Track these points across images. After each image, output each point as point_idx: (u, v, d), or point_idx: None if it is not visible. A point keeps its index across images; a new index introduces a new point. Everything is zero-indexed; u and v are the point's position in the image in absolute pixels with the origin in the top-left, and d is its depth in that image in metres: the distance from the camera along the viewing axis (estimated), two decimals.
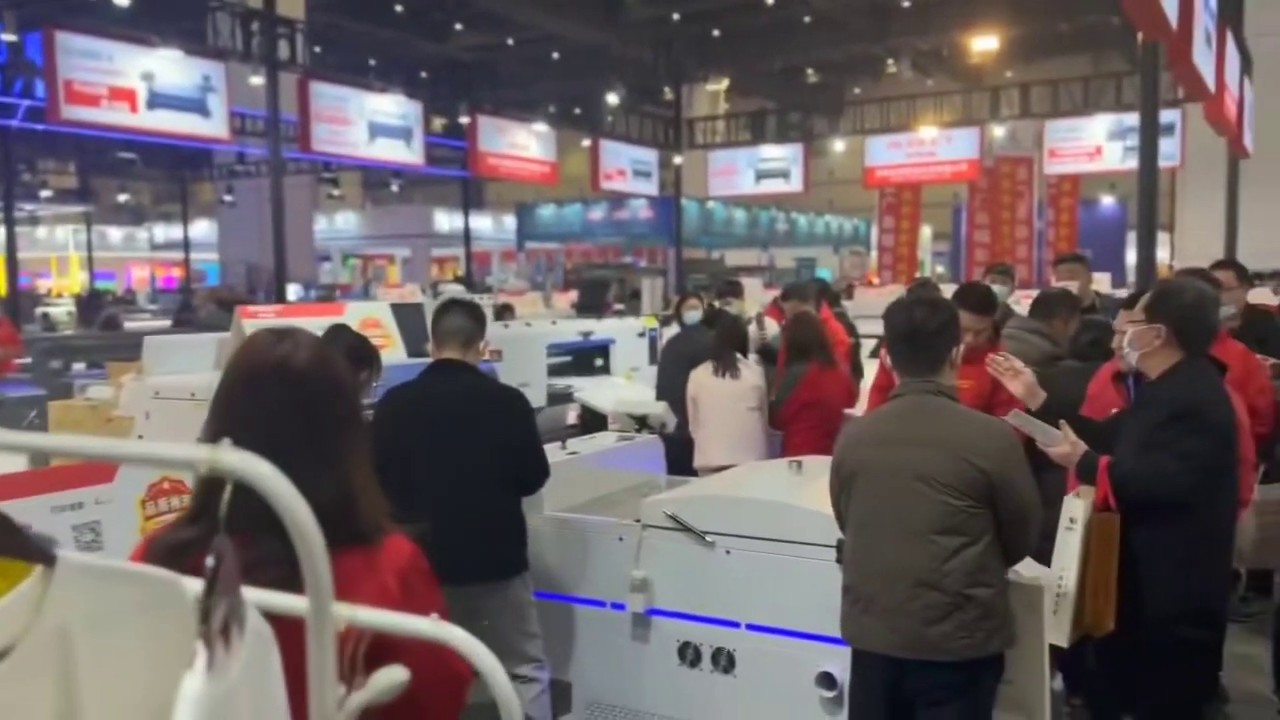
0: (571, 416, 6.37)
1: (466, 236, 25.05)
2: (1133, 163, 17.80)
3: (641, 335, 7.52)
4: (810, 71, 26.00)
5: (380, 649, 1.26)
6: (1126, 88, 17.47)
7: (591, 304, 13.83)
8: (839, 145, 24.09)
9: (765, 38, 21.64)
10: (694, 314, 6.63)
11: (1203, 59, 9.55)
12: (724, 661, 3.54)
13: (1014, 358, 3.41)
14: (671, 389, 5.93)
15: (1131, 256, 22.60)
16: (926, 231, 27.39)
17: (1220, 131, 13.28)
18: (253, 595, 1.05)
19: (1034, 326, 4.80)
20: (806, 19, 21.34)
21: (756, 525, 3.49)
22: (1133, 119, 17.69)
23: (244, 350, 1.48)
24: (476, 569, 3.49)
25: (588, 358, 7.22)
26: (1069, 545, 2.97)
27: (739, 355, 5.63)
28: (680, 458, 5.42)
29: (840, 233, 33.96)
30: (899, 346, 2.81)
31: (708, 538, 3.55)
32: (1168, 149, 12.30)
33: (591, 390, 6.53)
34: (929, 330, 2.74)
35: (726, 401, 5.48)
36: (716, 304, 6.89)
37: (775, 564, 3.45)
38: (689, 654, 3.60)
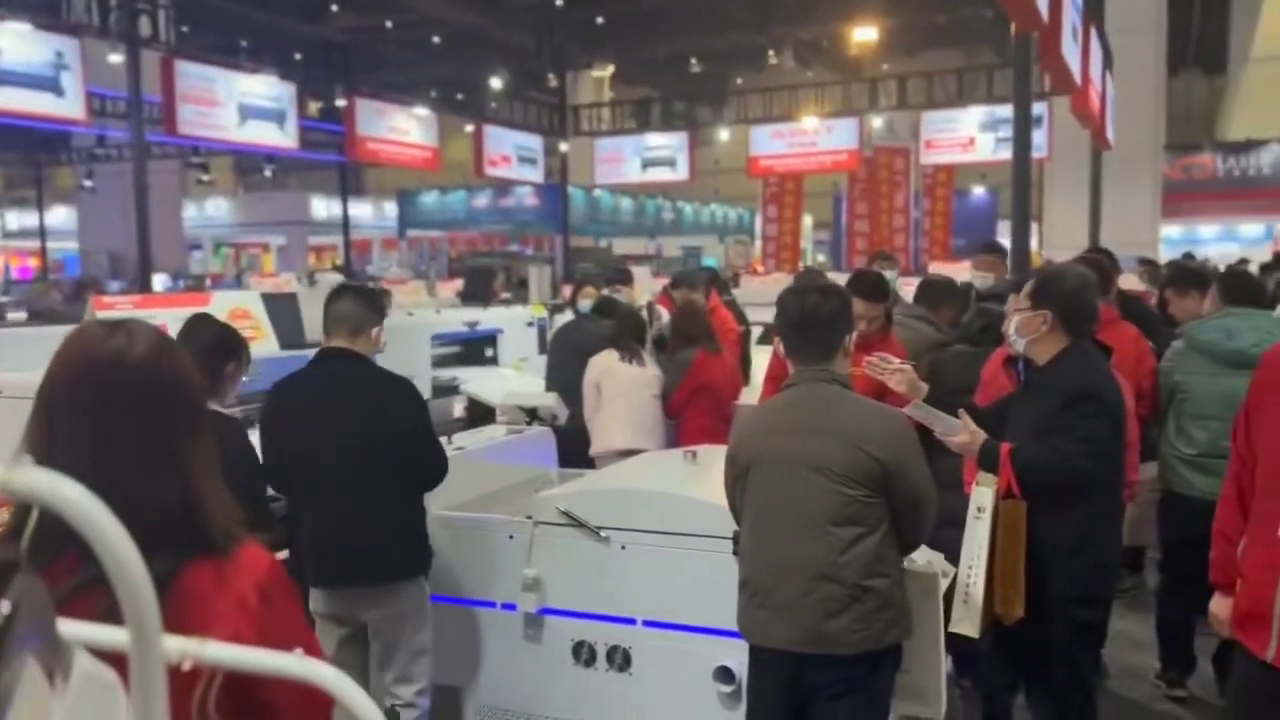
0: (458, 410, 6.17)
1: (345, 224, 24.24)
2: (1004, 154, 18.46)
3: (530, 324, 7.35)
4: (694, 60, 26.08)
5: (241, 680, 1.13)
6: (998, 81, 18.04)
7: (477, 293, 13.52)
8: (724, 135, 24.26)
9: (649, 25, 21.58)
10: (588, 302, 6.51)
11: (1070, 52, 9.88)
12: (619, 660, 3.44)
13: (890, 356, 3.39)
14: (562, 379, 5.80)
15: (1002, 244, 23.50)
16: (808, 220, 27.88)
17: (1085, 124, 13.82)
18: (80, 631, 0.89)
19: (920, 314, 4.84)
20: (690, 7, 21.39)
21: (651, 518, 3.40)
22: (1003, 111, 18.30)
23: (71, 343, 1.29)
24: (367, 571, 3.31)
25: (475, 348, 7.01)
26: (978, 534, 2.97)
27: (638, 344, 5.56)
28: (573, 450, 5.31)
29: (725, 222, 34.30)
30: (791, 334, 2.75)
31: (602, 533, 3.44)
32: (1036, 141, 12.70)
33: (479, 382, 6.33)
34: (821, 317, 2.69)
35: (632, 387, 5.40)
36: (605, 292, 6.77)
37: (671, 558, 3.36)
38: (583, 653, 3.49)
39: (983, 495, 3.00)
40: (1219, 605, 2.53)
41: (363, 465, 3.28)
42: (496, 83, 21.74)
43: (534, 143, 21.93)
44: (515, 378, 6.64)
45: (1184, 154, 23.02)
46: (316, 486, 3.30)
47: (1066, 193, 17.71)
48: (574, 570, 3.51)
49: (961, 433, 3.08)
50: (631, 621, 3.43)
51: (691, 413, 5.29)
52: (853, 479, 2.55)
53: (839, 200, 25.35)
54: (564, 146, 22.25)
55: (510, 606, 3.59)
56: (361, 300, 3.48)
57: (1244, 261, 11.19)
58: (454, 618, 3.67)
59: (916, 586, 2.85)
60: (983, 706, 3.67)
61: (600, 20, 21.60)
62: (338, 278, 13.08)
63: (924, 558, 3.04)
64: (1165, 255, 15.82)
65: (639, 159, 21.56)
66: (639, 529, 3.41)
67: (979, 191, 26.26)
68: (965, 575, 3.07)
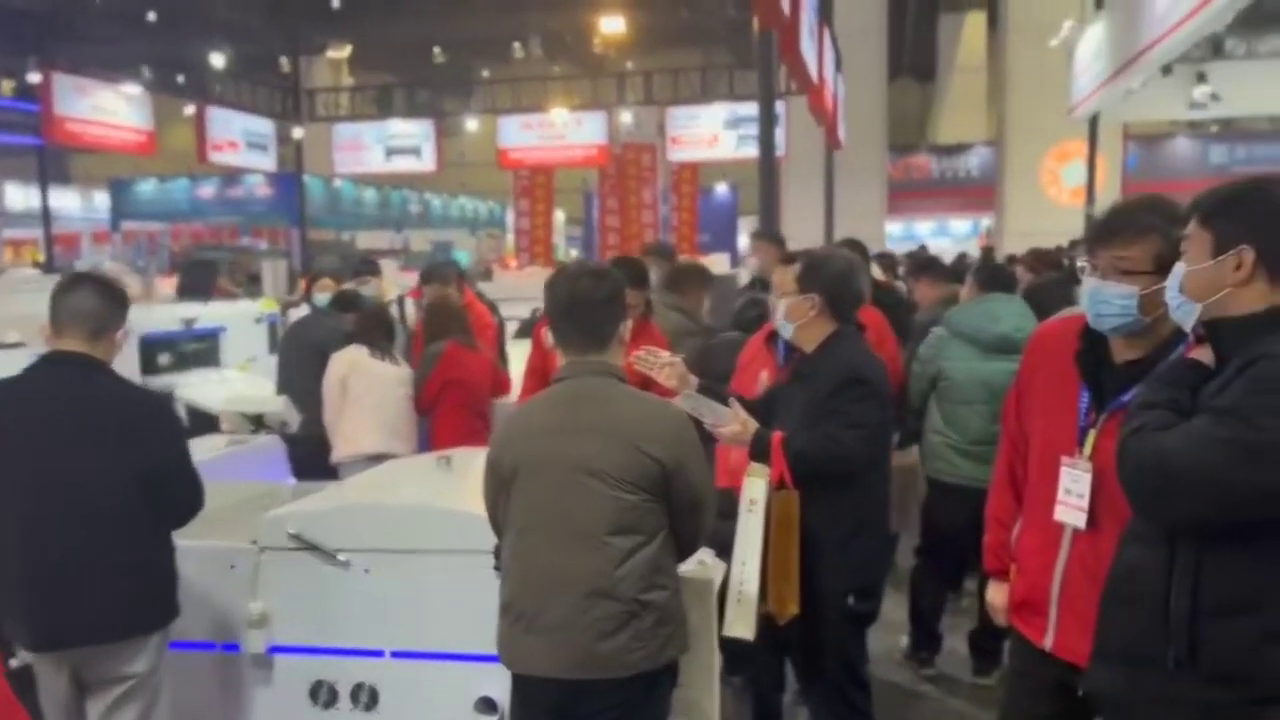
0: None
1: (45, 214, 21.62)
2: (745, 151, 19.18)
3: (259, 321, 6.67)
4: (438, 50, 25.32)
5: None
6: (738, 80, 18.65)
7: (196, 288, 12.27)
8: (472, 126, 23.70)
9: (389, 8, 20.67)
10: (326, 296, 5.92)
11: (808, 50, 10.22)
12: (365, 698, 3.02)
13: (658, 349, 3.19)
14: (295, 381, 5.23)
15: (743, 240, 24.43)
16: (560, 215, 27.81)
17: (820, 122, 14.46)
18: None
19: (671, 302, 4.71)
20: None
21: (399, 536, 3.01)
22: (744, 109, 18.98)
23: None
24: (98, 629, 2.70)
25: (195, 349, 6.25)
26: (751, 529, 2.80)
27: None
28: (309, 458, 4.79)
29: (476, 215, 33.67)
30: (562, 322, 2.46)
31: (341, 556, 3.01)
32: (775, 139, 13.17)
33: (197, 386, 5.61)
34: (595, 301, 2.41)
35: (384, 385, 4.93)
36: (350, 285, 6.21)
37: (423, 579, 2.98)
38: (323, 694, 3.04)
39: (755, 487, 2.84)
40: (995, 593, 2.47)
41: (101, 499, 2.68)
42: (219, 60, 20.05)
43: (265, 128, 20.47)
44: (241, 380, 5.97)
45: (903, 155, 24.78)
46: (33, 524, 2.66)
47: (803, 190, 18.54)
48: (309, 601, 3.05)
49: (732, 422, 2.91)
50: (378, 654, 3.02)
51: (444, 410, 4.89)
52: (632, 482, 2.31)
53: (590, 196, 25.42)
54: (298, 132, 20.89)
55: (232, 647, 3.08)
56: (105, 294, 2.81)
57: (964, 255, 12.08)
58: (165, 666, 3.11)
59: (691, 594, 2.64)
60: (754, 707, 3.54)
61: (335, 4, 20.45)
62: (33, 272, 11.54)
63: (696, 558, 2.84)
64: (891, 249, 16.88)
65: (382, 147, 20.62)
66: (384, 549, 3.00)
67: (722, 189, 27.15)
68: (738, 573, 2.90)
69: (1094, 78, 15.27)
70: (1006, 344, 4.12)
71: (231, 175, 24.02)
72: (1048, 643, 2.24)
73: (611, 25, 15.95)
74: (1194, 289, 1.84)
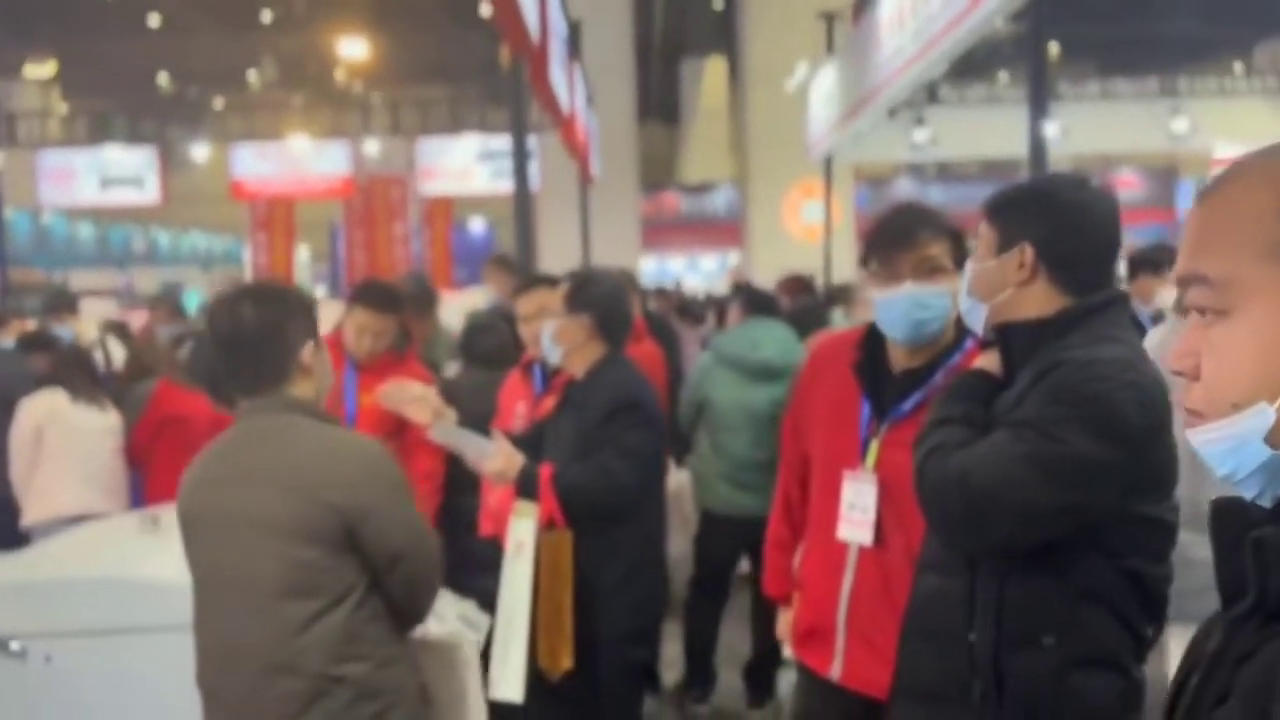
0: None
1: None
2: (500, 185, 18.96)
3: None
4: (163, 76, 23.55)
5: None
6: (490, 114, 18.43)
7: None
8: (202, 157, 22.08)
9: (100, 30, 18.99)
10: (9, 340, 5.10)
11: (559, 82, 10.16)
12: None
13: (409, 381, 2.85)
14: None
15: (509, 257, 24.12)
16: (304, 251, 26.47)
17: (572, 156, 14.48)
18: None
19: None
20: (153, 23, 19.21)
21: (88, 614, 2.50)
22: (497, 143, 18.78)
23: None
24: None
25: None
26: (518, 576, 2.51)
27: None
28: None
29: (210, 252, 31.49)
30: (229, 355, 2.09)
31: (13, 644, 2.45)
32: (529, 171, 13.05)
33: None
34: (254, 330, 2.05)
35: (90, 435, 4.24)
36: (40, 323, 5.39)
37: (119, 664, 2.48)
38: None
39: (522, 528, 2.55)
40: (783, 620, 2.32)
41: None
42: None
43: None
44: None
45: (654, 192, 25.45)
46: None
47: (559, 225, 18.50)
48: None
49: (496, 458, 2.61)
50: None
51: (162, 457, 4.26)
52: (305, 536, 1.96)
53: (336, 230, 24.34)
54: None
55: None
56: None
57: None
58: None
59: (434, 661, 2.29)
60: None
61: (42, 19, 18.54)
62: None
63: (454, 613, 2.50)
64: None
65: (96, 176, 18.70)
66: (69, 631, 2.48)
67: (477, 224, 26.80)
68: (504, 627, 2.59)
69: (827, 120, 16.21)
70: (768, 370, 4.07)
71: None
72: (835, 673, 2.10)
73: (352, 49, 15.27)
74: (980, 288, 1.75)
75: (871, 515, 2.01)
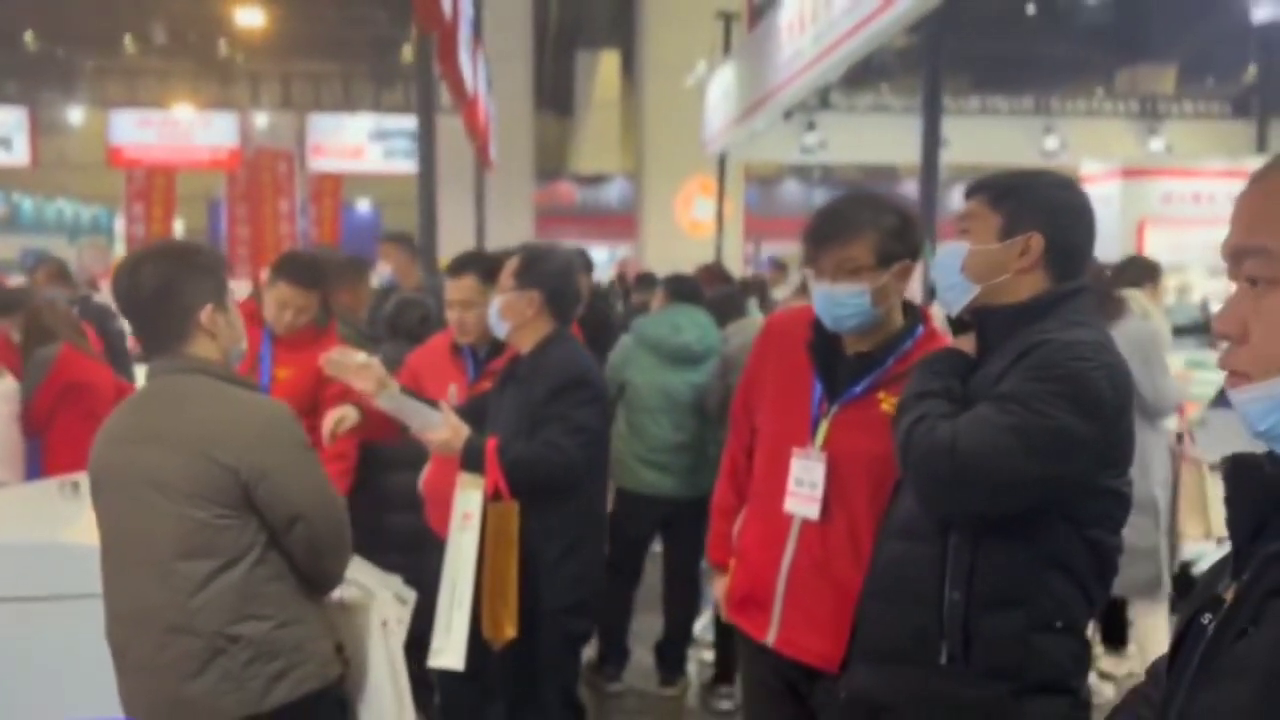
0: None
1: None
2: (392, 165, 18.59)
3: None
4: (29, 36, 22.21)
5: None
6: (384, 94, 18.08)
7: None
8: (76, 119, 20.98)
9: None
10: None
11: (465, 62, 10.05)
12: None
13: (352, 351, 2.83)
14: None
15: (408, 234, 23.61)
16: (180, 225, 25.37)
17: (472, 139, 14.32)
18: None
19: None
20: None
21: (12, 580, 2.40)
22: (392, 122, 18.41)
23: None
24: None
25: None
26: (464, 546, 2.52)
27: None
28: None
29: (78, 221, 29.84)
30: (131, 317, 2.14)
31: None
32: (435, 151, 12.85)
33: None
34: (151, 290, 2.06)
35: None
36: None
37: (44, 631, 2.40)
38: None
39: (469, 500, 2.57)
40: (719, 585, 2.39)
41: None
42: None
43: None
44: None
45: (549, 181, 25.33)
46: None
47: (454, 209, 18.13)
48: None
49: (442, 428, 2.62)
50: None
51: (64, 423, 4.07)
52: (200, 495, 1.98)
53: (216, 206, 23.42)
54: None
55: None
56: None
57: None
58: None
59: (346, 623, 2.28)
60: None
61: None
62: None
63: (381, 588, 2.49)
64: None
65: None
66: None
67: (364, 206, 26.18)
68: (447, 596, 2.60)
69: (724, 117, 16.46)
70: (687, 354, 4.16)
71: None
72: (770, 638, 2.18)
73: (249, 18, 14.74)
74: (976, 270, 1.82)
75: (819, 492, 2.09)
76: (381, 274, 5.86)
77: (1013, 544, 1.72)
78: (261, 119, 19.21)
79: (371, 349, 4.21)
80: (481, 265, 3.14)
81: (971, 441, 1.67)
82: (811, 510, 2.12)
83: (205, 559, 1.98)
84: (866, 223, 2.07)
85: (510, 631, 2.57)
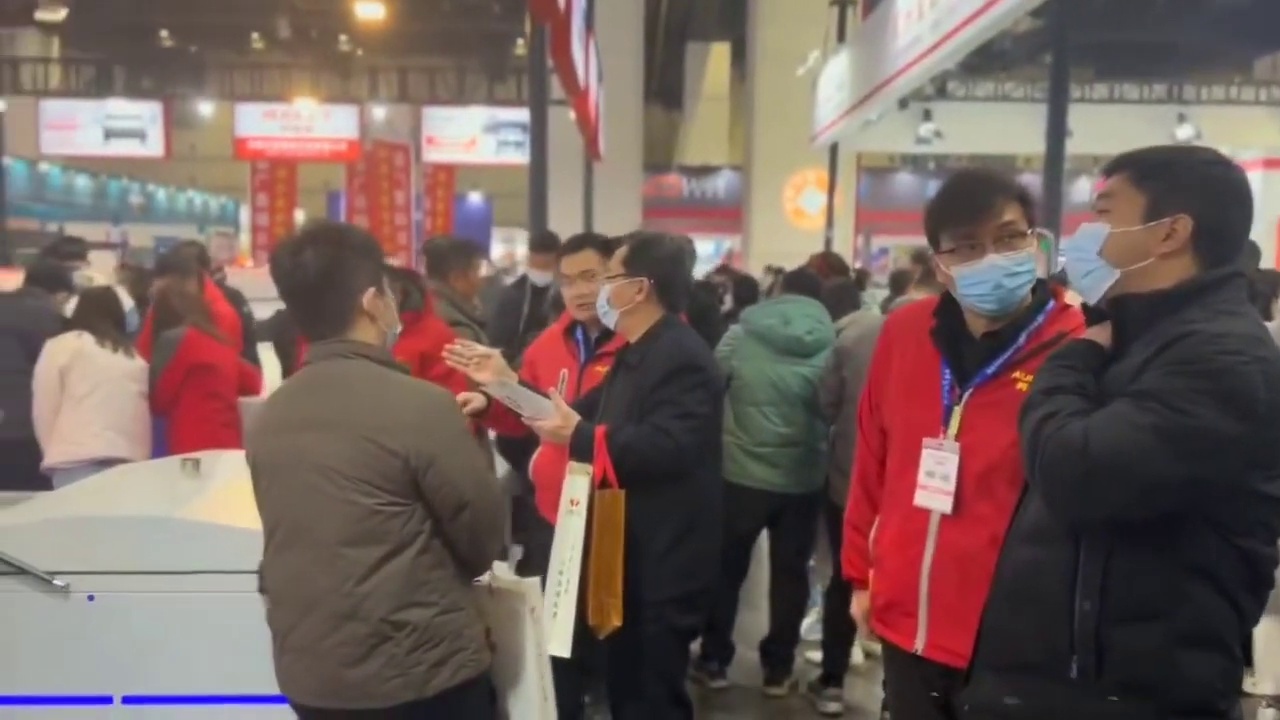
0: None
1: None
2: (505, 157, 18.84)
3: None
4: (165, 35, 23.24)
5: None
6: (497, 87, 18.33)
7: None
8: (206, 112, 21.88)
9: None
10: (16, 280, 5.03)
11: (577, 52, 10.09)
12: None
13: (473, 344, 2.85)
14: None
15: (497, 250, 24.03)
16: (301, 216, 26.30)
17: (582, 130, 14.39)
18: None
19: (433, 288, 4.33)
20: None
21: (133, 554, 2.47)
22: (504, 114, 18.65)
23: None
24: None
25: None
26: (571, 532, 2.49)
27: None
28: (13, 465, 4.02)
29: (206, 211, 31.25)
30: (288, 302, 2.11)
31: (56, 580, 2.43)
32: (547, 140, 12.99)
33: None
34: (315, 275, 2.04)
35: (114, 378, 4.20)
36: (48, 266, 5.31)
37: (164, 606, 2.47)
38: None
39: (577, 486, 2.54)
40: (857, 603, 2.28)
41: None
42: None
43: None
44: None
45: (656, 173, 25.35)
46: None
47: (562, 200, 18.36)
48: (17, 637, 2.45)
49: (553, 416, 2.59)
50: (106, 700, 2.47)
51: (189, 403, 4.23)
52: (367, 482, 1.97)
53: (335, 197, 24.17)
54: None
55: None
56: None
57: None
58: None
59: (498, 608, 2.28)
60: None
61: None
62: None
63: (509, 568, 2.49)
64: None
65: (100, 128, 18.51)
66: (113, 570, 2.45)
67: (475, 198, 26.64)
68: (555, 583, 2.58)
69: (836, 108, 16.15)
70: (797, 346, 4.06)
71: None
72: (918, 645, 2.07)
73: (369, 10, 15.12)
74: (1117, 253, 1.68)
75: (952, 484, 1.98)
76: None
77: (1150, 551, 1.58)
78: (378, 112, 19.70)
79: (477, 332, 4.26)
80: (598, 241, 3.17)
81: (1105, 442, 1.53)
82: (944, 504, 2.01)
83: (372, 545, 1.97)
84: (1007, 190, 1.99)
85: (616, 620, 2.53)
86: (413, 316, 3.64)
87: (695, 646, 4.23)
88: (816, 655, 4.32)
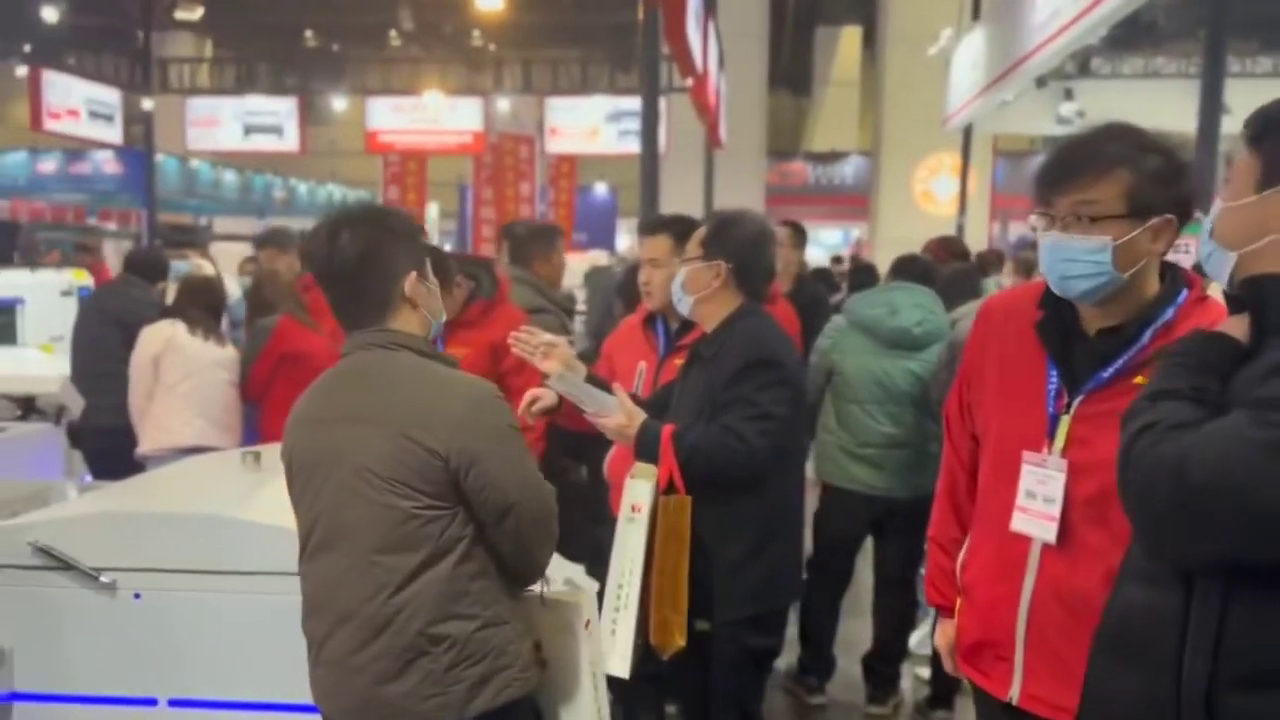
0: None
1: None
2: (626, 146, 18.72)
3: (67, 294, 5.80)
4: (309, 34, 24.09)
5: None
6: (620, 77, 18.26)
7: None
8: (340, 107, 22.59)
9: None
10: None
11: (693, 36, 9.84)
12: None
13: (539, 330, 2.66)
14: (90, 361, 4.46)
15: (622, 241, 24.01)
16: (434, 209, 26.87)
17: (702, 117, 14.14)
18: None
19: (519, 274, 4.17)
20: None
21: (182, 552, 2.39)
22: (626, 104, 18.55)
23: None
24: None
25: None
26: (632, 542, 2.29)
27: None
28: (109, 452, 4.07)
29: (345, 204, 32.34)
30: (328, 288, 1.94)
31: (103, 577, 2.36)
32: (658, 127, 12.82)
33: None
34: (352, 259, 1.87)
35: (205, 367, 4.23)
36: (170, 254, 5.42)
37: (211, 606, 2.38)
38: None
39: (639, 490, 2.33)
40: (942, 634, 1.99)
41: None
42: (54, 19, 18.36)
43: (110, 97, 18.84)
44: (43, 363, 5.13)
45: (780, 160, 24.83)
46: None
47: (682, 189, 18.15)
48: (62, 634, 2.40)
49: (617, 413, 2.38)
50: (152, 703, 2.40)
51: (281, 393, 4.19)
52: (405, 483, 1.80)
53: (465, 190, 24.61)
54: (148, 104, 19.35)
55: None
56: None
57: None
58: None
59: (550, 622, 2.09)
60: None
61: None
62: None
63: (560, 577, 2.30)
64: None
65: (240, 124, 19.29)
66: (160, 568, 2.38)
67: (601, 188, 26.68)
68: (614, 596, 2.37)
69: (970, 88, 15.41)
70: (904, 339, 3.74)
71: (76, 150, 22.23)
72: (1013, 695, 1.78)
73: (489, 3, 15.27)
74: (1226, 232, 1.38)
75: (1057, 508, 1.69)
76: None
77: (1275, 603, 1.26)
78: (503, 103, 19.90)
79: (561, 317, 4.09)
80: (677, 227, 2.94)
81: (1207, 464, 1.23)
82: (1047, 531, 1.71)
83: (409, 552, 1.83)
84: (1120, 159, 1.66)
85: (680, 640, 2.31)
86: (484, 305, 3.50)
87: (791, 657, 3.98)
88: (926, 673, 4.00)
